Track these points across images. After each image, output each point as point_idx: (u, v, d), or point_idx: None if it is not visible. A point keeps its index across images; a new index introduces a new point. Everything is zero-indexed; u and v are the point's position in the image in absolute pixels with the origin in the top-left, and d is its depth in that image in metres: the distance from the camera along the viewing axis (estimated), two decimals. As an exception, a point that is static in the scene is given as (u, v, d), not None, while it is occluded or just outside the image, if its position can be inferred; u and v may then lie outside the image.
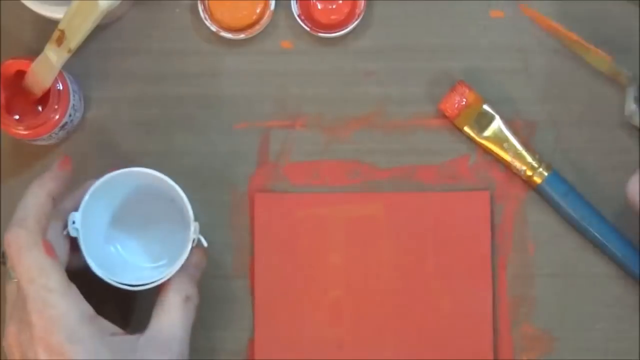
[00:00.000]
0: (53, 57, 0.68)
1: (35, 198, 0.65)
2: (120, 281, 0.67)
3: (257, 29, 0.75)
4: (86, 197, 0.67)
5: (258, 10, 0.75)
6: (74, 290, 0.63)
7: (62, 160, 0.68)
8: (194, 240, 0.68)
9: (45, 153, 0.75)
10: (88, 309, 0.63)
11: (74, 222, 0.67)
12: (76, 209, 0.67)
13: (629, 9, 0.75)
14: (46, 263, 0.62)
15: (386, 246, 0.74)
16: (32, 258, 0.62)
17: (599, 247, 0.73)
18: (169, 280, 0.68)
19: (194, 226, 0.67)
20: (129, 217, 0.72)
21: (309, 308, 0.74)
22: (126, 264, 0.72)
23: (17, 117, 0.72)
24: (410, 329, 0.73)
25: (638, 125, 0.72)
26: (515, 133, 0.74)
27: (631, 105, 0.72)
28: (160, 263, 0.72)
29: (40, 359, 0.60)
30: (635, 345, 0.73)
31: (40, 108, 0.72)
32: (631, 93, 0.71)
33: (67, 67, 0.70)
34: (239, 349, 0.74)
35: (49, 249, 0.63)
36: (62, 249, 0.65)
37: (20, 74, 0.70)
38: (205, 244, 0.69)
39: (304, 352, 0.74)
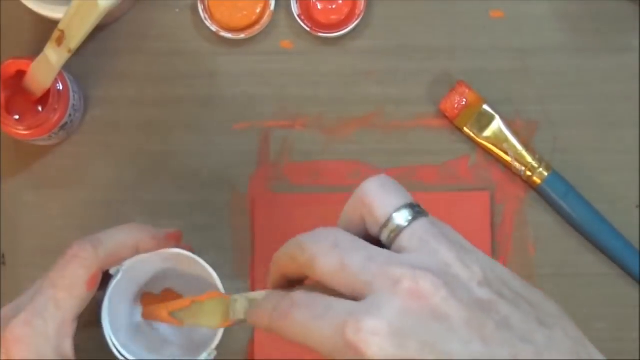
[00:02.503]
0: (53, 57, 0.68)
1: (126, 238, 0.62)
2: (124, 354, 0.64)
3: (257, 29, 0.75)
4: (137, 257, 0.64)
5: (258, 10, 0.75)
6: (72, 328, 0.60)
7: (175, 233, 0.65)
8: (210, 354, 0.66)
9: (45, 153, 0.75)
10: (70, 352, 0.60)
11: (119, 265, 0.63)
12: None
13: (629, 9, 0.75)
14: (79, 286, 0.60)
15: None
16: (74, 273, 0.60)
17: (599, 247, 0.73)
18: None
19: (208, 351, 0.65)
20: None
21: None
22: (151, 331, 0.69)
23: (17, 117, 0.72)
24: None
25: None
26: (515, 133, 0.74)
27: None
28: (180, 343, 0.69)
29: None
30: (635, 345, 0.73)
31: (40, 108, 0.72)
32: None
33: (67, 67, 0.70)
34: (239, 349, 0.74)
35: (92, 281, 0.60)
36: (96, 287, 0.62)
37: (20, 74, 0.70)
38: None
39: (304, 352, 0.73)
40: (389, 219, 0.50)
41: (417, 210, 0.50)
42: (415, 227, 0.49)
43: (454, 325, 0.46)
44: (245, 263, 0.74)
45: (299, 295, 0.50)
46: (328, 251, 0.49)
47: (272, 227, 0.74)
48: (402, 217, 0.50)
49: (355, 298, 0.48)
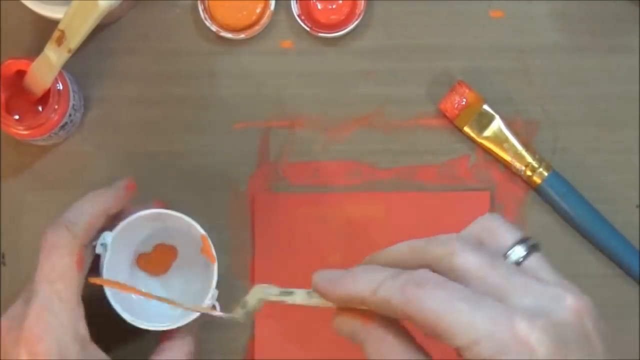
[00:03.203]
0: (53, 57, 0.68)
1: (92, 208, 0.63)
2: (131, 318, 0.67)
3: (257, 29, 0.75)
4: (119, 226, 0.66)
5: (258, 10, 0.75)
6: (81, 310, 0.62)
7: (128, 182, 0.67)
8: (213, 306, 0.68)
9: (45, 153, 0.75)
10: (85, 333, 0.62)
11: (103, 241, 0.66)
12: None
13: (629, 9, 0.75)
14: (71, 273, 0.61)
15: (386, 246, 0.74)
16: (61, 262, 0.61)
17: (599, 247, 0.73)
18: (176, 329, 0.67)
19: (211, 293, 0.67)
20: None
21: (308, 308, 0.74)
22: (142, 302, 0.71)
23: (17, 117, 0.72)
24: (409, 329, 0.73)
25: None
26: (515, 133, 0.74)
27: None
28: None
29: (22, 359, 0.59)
30: (635, 345, 0.73)
31: (40, 108, 0.72)
32: None
33: (67, 67, 0.70)
34: (239, 348, 0.74)
35: (80, 262, 0.62)
36: (86, 263, 0.64)
37: (20, 74, 0.70)
38: (218, 312, 0.67)
39: (304, 352, 0.74)
40: (509, 250, 0.52)
41: (534, 246, 0.53)
42: (532, 260, 0.52)
43: (596, 353, 0.48)
44: (245, 263, 0.74)
45: (436, 276, 0.50)
46: (475, 250, 0.51)
47: (272, 227, 0.74)
48: (521, 249, 0.52)
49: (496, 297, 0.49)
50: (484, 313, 0.48)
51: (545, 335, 0.47)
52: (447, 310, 0.48)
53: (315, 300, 0.57)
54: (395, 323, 0.53)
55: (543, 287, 0.49)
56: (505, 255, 0.52)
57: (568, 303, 0.49)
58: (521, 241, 0.52)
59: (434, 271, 0.50)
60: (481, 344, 0.47)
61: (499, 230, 0.53)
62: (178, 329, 0.67)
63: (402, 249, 0.54)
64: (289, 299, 0.59)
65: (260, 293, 0.60)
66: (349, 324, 0.54)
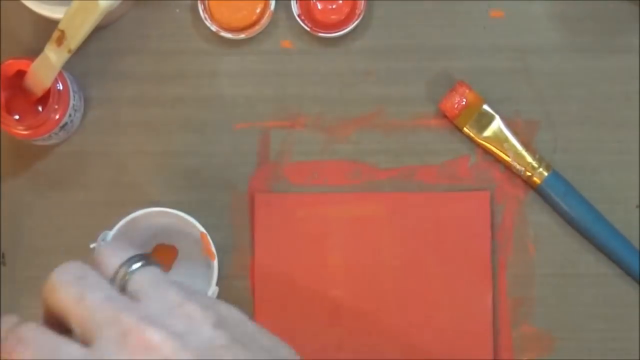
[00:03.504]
0: (53, 57, 0.68)
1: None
2: None
3: (257, 29, 0.75)
4: (120, 223, 0.67)
5: (258, 10, 0.75)
6: None
7: None
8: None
9: (45, 153, 0.75)
10: None
11: (103, 239, 0.66)
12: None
13: (629, 9, 0.75)
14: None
15: (386, 246, 0.74)
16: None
17: (599, 247, 0.73)
18: None
19: (212, 290, 0.68)
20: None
21: (308, 308, 0.74)
22: None
23: (17, 117, 0.72)
24: (410, 329, 0.73)
25: None
26: (515, 133, 0.74)
27: None
28: None
29: None
30: (635, 345, 0.73)
31: (40, 108, 0.72)
32: None
33: (67, 67, 0.70)
34: (239, 349, 0.74)
35: None
36: None
37: (20, 74, 0.70)
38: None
39: (304, 353, 0.73)
40: (117, 271, 0.50)
41: (147, 261, 0.50)
42: (143, 272, 0.49)
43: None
44: (245, 263, 0.74)
45: (30, 330, 0.48)
46: (72, 282, 0.49)
47: (272, 227, 0.74)
48: (130, 266, 0.50)
49: (85, 340, 0.47)
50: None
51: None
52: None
53: None
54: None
55: (113, 328, 0.47)
56: (112, 281, 0.50)
57: (134, 339, 0.46)
58: (127, 261, 0.50)
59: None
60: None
61: (101, 257, 0.50)
62: None
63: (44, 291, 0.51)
64: None
65: None
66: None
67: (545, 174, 0.73)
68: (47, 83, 0.70)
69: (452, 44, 0.75)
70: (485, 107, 0.74)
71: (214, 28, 0.75)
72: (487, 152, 0.74)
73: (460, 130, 0.74)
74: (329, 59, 0.76)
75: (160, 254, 0.72)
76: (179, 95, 0.76)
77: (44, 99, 0.71)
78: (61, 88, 0.71)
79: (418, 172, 0.75)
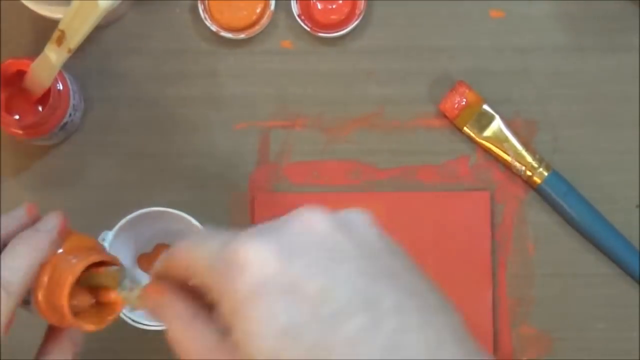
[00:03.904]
0: (53, 57, 0.68)
1: (28, 261, 0.54)
2: (131, 318, 0.68)
3: (257, 29, 0.75)
4: (120, 223, 0.67)
5: (258, 10, 0.75)
6: None
7: (30, 209, 0.58)
8: None
9: (45, 153, 0.75)
10: None
11: (103, 238, 0.66)
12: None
13: (629, 9, 0.75)
14: None
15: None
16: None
17: (599, 247, 0.73)
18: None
19: None
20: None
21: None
22: None
23: (17, 117, 0.72)
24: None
25: None
26: (515, 133, 0.74)
27: None
28: None
29: None
30: (635, 345, 0.73)
31: (40, 108, 0.72)
32: None
33: (67, 67, 0.70)
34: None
35: (9, 325, 0.54)
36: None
37: (20, 74, 0.70)
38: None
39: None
40: None
41: None
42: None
43: (346, 256, 0.44)
44: (245, 263, 0.74)
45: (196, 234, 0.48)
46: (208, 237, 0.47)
47: (272, 227, 0.74)
48: None
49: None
50: (207, 245, 0.45)
51: (265, 252, 0.42)
52: (187, 250, 0.46)
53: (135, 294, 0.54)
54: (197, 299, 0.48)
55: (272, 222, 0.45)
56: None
57: (302, 215, 0.44)
58: None
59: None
60: (204, 274, 0.44)
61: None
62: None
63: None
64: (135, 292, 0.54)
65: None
66: (151, 299, 0.50)
67: (545, 174, 0.73)
68: (47, 83, 0.70)
69: (452, 44, 0.75)
70: (485, 107, 0.74)
71: (214, 28, 0.75)
72: (487, 152, 0.74)
73: (460, 130, 0.74)
74: (329, 59, 0.76)
75: (160, 254, 0.72)
76: (179, 95, 0.76)
77: (44, 99, 0.71)
78: (61, 88, 0.71)
79: (418, 172, 0.75)
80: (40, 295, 0.53)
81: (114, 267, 0.54)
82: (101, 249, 0.56)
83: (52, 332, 0.57)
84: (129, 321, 0.68)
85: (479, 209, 0.74)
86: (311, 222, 0.44)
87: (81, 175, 0.75)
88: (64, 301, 0.52)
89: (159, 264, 0.50)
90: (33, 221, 0.57)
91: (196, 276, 0.45)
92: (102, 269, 0.54)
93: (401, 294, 0.44)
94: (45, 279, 0.53)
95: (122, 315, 0.68)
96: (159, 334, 0.70)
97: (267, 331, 0.41)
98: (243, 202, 0.75)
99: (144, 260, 0.72)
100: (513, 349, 0.73)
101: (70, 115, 0.72)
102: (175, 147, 0.75)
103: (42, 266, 0.53)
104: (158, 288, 0.49)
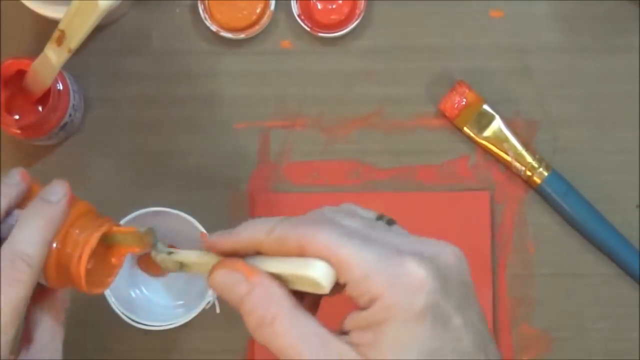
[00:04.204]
0: (53, 57, 0.68)
1: (44, 234, 0.56)
2: (130, 318, 0.68)
3: (257, 29, 0.75)
4: (120, 224, 0.67)
5: (258, 10, 0.75)
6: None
7: (24, 176, 0.59)
8: (209, 302, 0.69)
9: (45, 153, 0.75)
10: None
11: None
12: None
13: (629, 9, 0.75)
14: (22, 308, 0.54)
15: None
16: (18, 296, 0.54)
17: (599, 247, 0.73)
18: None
19: (211, 291, 0.68)
20: None
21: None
22: (146, 301, 0.73)
23: (17, 117, 0.72)
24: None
25: None
26: (515, 133, 0.74)
27: None
28: (179, 302, 0.73)
29: None
30: (635, 345, 0.73)
31: (40, 108, 0.72)
32: None
33: (67, 67, 0.70)
34: (239, 348, 0.74)
35: (29, 299, 0.55)
36: None
37: (20, 74, 0.70)
38: (218, 310, 0.70)
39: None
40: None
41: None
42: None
43: (470, 294, 0.49)
44: (245, 263, 0.74)
45: (332, 216, 0.51)
46: (348, 217, 0.50)
47: (272, 227, 0.74)
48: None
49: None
50: (376, 249, 0.48)
51: (431, 272, 0.47)
52: (342, 244, 0.48)
53: (201, 259, 0.54)
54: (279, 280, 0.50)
55: (422, 239, 0.50)
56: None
57: (449, 250, 0.50)
58: (379, 217, 0.52)
59: None
60: (373, 278, 0.47)
61: (356, 209, 0.52)
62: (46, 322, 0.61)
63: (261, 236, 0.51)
64: (174, 256, 0.55)
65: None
66: (230, 276, 0.51)
67: (545, 174, 0.73)
68: (47, 83, 0.70)
69: (452, 44, 0.75)
70: (485, 107, 0.74)
71: (214, 28, 0.75)
72: (487, 152, 0.74)
73: (460, 130, 0.74)
74: (329, 59, 0.76)
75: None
76: (179, 95, 0.76)
77: (44, 99, 0.71)
78: (61, 88, 0.71)
79: (418, 172, 0.75)
80: (50, 264, 0.54)
81: (145, 228, 0.55)
82: (102, 215, 0.57)
83: (43, 292, 0.58)
84: (129, 321, 0.68)
85: (479, 209, 0.74)
86: (457, 255, 0.50)
87: (81, 175, 0.75)
88: (82, 271, 0.53)
89: (254, 237, 0.51)
90: (29, 187, 0.58)
91: (341, 273, 0.47)
92: (132, 229, 0.55)
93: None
94: (57, 247, 0.54)
95: (122, 315, 0.68)
96: (159, 334, 0.70)
97: (417, 351, 0.46)
98: (243, 202, 0.75)
99: (144, 261, 0.72)
100: (513, 349, 0.73)
101: (70, 115, 0.72)
102: (175, 147, 0.75)
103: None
104: (248, 267, 0.50)
